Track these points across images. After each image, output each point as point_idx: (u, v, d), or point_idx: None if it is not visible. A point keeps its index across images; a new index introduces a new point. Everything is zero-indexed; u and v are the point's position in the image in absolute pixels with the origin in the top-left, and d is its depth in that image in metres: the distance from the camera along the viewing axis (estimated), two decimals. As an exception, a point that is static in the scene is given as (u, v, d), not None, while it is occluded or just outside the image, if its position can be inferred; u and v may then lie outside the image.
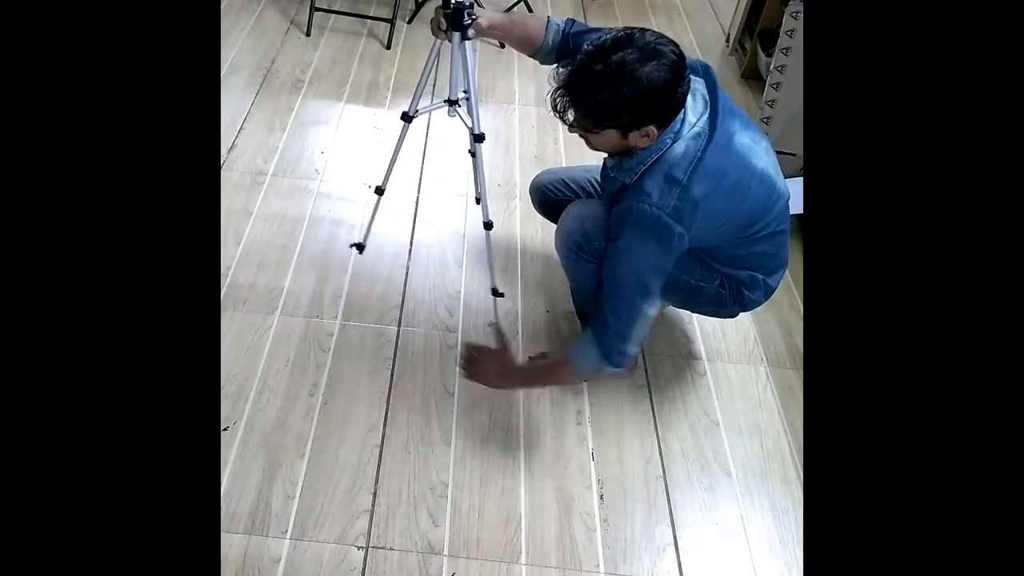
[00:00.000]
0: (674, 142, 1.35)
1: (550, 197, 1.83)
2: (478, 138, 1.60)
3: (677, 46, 1.29)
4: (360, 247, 1.90)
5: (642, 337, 1.46)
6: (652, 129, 1.32)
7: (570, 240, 1.59)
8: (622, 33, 1.28)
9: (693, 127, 1.35)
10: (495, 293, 1.79)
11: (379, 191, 1.78)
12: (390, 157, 1.71)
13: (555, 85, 1.33)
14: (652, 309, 1.42)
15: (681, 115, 1.35)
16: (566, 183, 1.81)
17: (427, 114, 2.65)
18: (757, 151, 1.42)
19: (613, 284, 1.42)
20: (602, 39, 1.29)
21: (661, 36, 1.29)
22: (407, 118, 1.65)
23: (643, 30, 1.29)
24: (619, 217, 1.39)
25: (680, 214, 1.33)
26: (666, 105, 1.30)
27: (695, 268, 1.56)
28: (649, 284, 1.40)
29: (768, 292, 1.64)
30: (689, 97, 1.36)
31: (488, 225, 1.70)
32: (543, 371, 1.66)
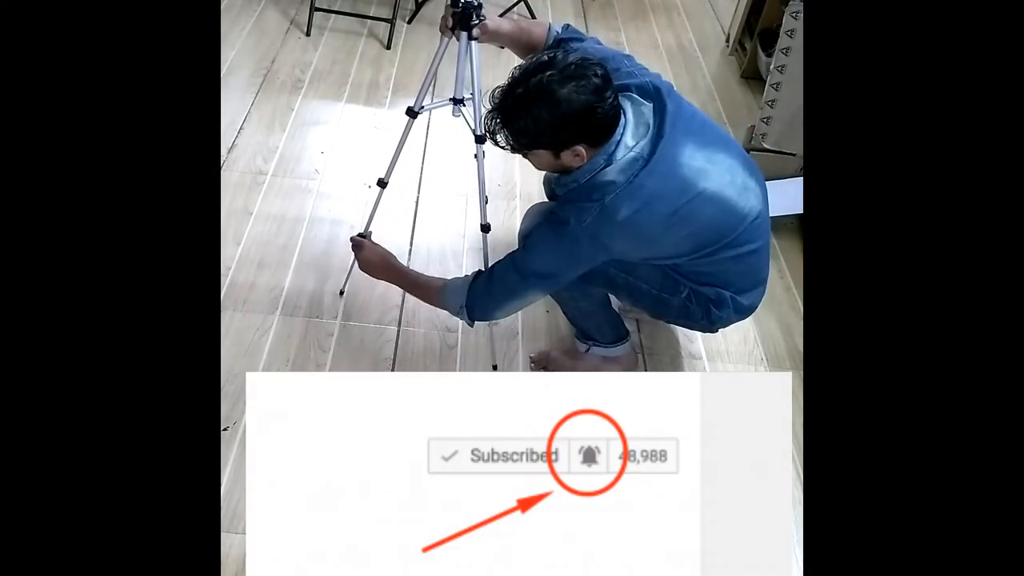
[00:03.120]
0: (607, 165, 1.36)
1: None
2: (479, 139, 1.60)
3: (602, 67, 1.31)
4: (366, 238, 1.90)
5: (510, 313, 1.59)
6: (581, 149, 1.34)
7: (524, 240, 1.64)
8: (545, 56, 1.32)
9: (630, 151, 1.35)
10: None
11: (382, 184, 1.77)
12: (393, 151, 1.71)
13: (488, 108, 1.37)
14: (533, 297, 1.51)
15: (618, 137, 1.35)
16: None
17: (428, 114, 2.65)
18: (712, 172, 1.40)
19: (517, 258, 1.48)
20: (527, 62, 1.34)
21: (586, 58, 1.31)
22: (412, 113, 1.64)
23: (567, 53, 1.33)
24: (544, 216, 1.48)
25: (596, 231, 1.36)
26: (590, 125, 1.31)
27: (657, 279, 1.57)
28: (540, 279, 1.47)
29: (740, 310, 1.61)
30: (631, 120, 1.37)
31: (485, 228, 1.69)
32: (420, 283, 1.67)
